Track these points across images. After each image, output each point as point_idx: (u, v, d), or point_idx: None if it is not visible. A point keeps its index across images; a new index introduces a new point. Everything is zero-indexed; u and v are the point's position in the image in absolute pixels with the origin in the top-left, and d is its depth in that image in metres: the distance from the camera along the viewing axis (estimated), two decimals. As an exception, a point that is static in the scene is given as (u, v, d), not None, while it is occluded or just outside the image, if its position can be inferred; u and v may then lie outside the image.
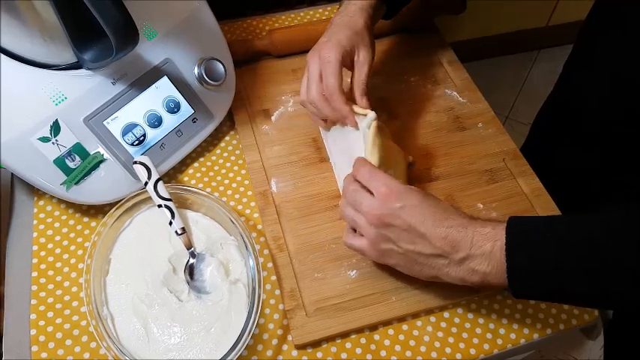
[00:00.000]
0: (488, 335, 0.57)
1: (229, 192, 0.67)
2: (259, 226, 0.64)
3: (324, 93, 0.59)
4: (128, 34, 0.52)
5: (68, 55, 0.59)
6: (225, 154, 0.70)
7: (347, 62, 0.60)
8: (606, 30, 0.67)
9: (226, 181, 0.68)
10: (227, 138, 0.72)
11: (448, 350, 0.56)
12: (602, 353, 0.65)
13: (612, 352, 0.71)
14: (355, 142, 0.60)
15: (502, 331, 0.58)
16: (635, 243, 0.43)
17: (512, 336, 0.57)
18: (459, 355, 0.56)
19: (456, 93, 0.76)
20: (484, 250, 0.46)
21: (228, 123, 0.72)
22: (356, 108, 0.59)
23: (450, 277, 0.49)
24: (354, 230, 0.54)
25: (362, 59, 0.60)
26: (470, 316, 0.59)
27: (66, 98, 0.58)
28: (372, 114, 0.57)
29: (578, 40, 0.76)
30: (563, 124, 0.80)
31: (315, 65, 0.60)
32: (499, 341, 0.57)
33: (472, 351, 0.56)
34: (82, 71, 0.59)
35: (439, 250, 0.48)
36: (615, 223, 0.44)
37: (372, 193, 0.51)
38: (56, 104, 0.58)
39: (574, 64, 0.78)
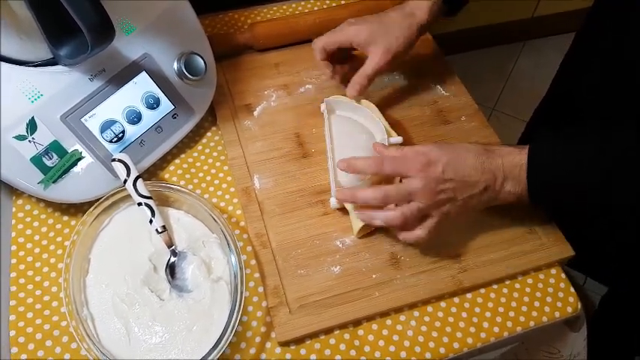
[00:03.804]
0: (472, 329, 0.58)
1: (211, 189, 0.66)
2: (242, 223, 0.63)
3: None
4: (103, 30, 0.51)
5: (44, 52, 0.57)
6: (207, 151, 0.69)
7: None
8: (617, 16, 0.66)
9: (208, 178, 0.67)
10: (209, 134, 0.71)
11: (432, 344, 0.56)
12: (586, 344, 0.66)
13: (595, 344, 0.71)
14: (363, 135, 0.65)
15: (485, 324, 0.58)
16: None
17: (496, 329, 0.58)
18: (442, 349, 0.56)
19: (439, 86, 0.76)
20: (514, 174, 0.54)
21: (210, 118, 0.72)
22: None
23: (497, 201, 0.56)
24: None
25: (374, 54, 0.65)
26: (453, 309, 0.59)
27: (42, 95, 0.57)
28: (399, 139, 0.65)
29: (585, 27, 0.75)
30: (568, 113, 0.79)
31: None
32: (482, 334, 0.57)
33: (455, 345, 0.56)
34: (59, 67, 0.58)
35: (484, 184, 0.54)
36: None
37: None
38: (32, 102, 0.56)
39: (579, 52, 0.77)
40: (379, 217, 0.56)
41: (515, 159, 0.54)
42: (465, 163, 0.54)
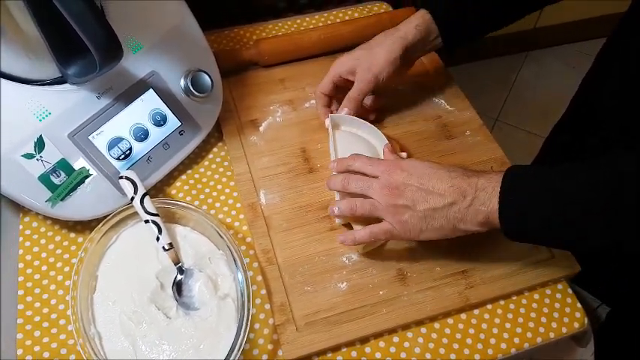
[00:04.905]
0: (479, 345, 0.57)
1: (218, 204, 0.66)
2: (248, 239, 0.63)
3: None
4: (111, 49, 0.51)
5: (52, 71, 0.58)
6: (214, 166, 0.69)
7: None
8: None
9: (215, 194, 0.67)
10: (215, 150, 0.71)
11: (439, 362, 0.56)
12: (593, 359, 0.66)
13: (603, 356, 0.71)
14: (366, 150, 0.65)
15: (493, 340, 0.58)
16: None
17: (503, 345, 0.58)
18: (450, 367, 0.56)
19: (443, 101, 0.76)
20: (487, 191, 0.50)
21: (216, 134, 0.72)
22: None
23: (465, 223, 0.52)
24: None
25: (358, 78, 0.67)
26: (460, 326, 0.59)
27: (50, 114, 0.57)
28: (403, 155, 0.65)
29: (608, 47, 0.74)
30: (585, 137, 0.78)
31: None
32: (490, 351, 0.57)
33: (463, 362, 0.56)
34: (66, 86, 0.59)
35: (450, 199, 0.52)
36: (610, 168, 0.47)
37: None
38: (40, 120, 0.57)
39: (601, 69, 0.76)
40: (336, 205, 0.58)
41: (493, 177, 0.51)
42: (433, 174, 0.53)
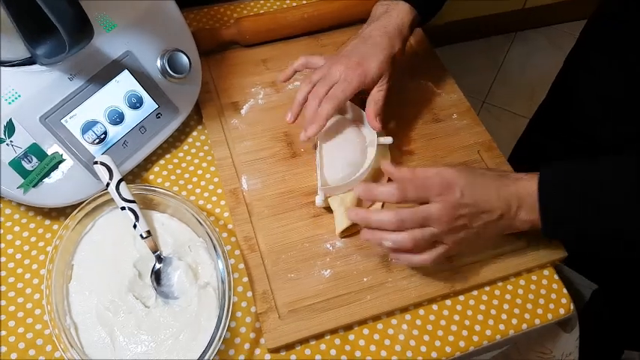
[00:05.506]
0: (464, 332, 0.57)
1: (198, 190, 0.64)
2: (230, 226, 0.62)
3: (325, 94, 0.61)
4: (81, 29, 0.49)
5: (20, 51, 0.55)
6: (193, 151, 0.67)
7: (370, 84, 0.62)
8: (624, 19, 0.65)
9: (195, 179, 0.65)
10: (195, 133, 0.69)
11: (423, 349, 0.56)
12: (578, 344, 0.66)
13: (585, 336, 0.71)
14: (353, 134, 0.64)
15: (477, 327, 0.57)
16: None
17: (488, 332, 0.57)
18: (434, 354, 0.55)
19: (430, 84, 0.74)
20: (527, 201, 0.52)
21: (196, 117, 0.70)
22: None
23: (512, 229, 0.55)
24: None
25: (384, 84, 0.62)
26: (445, 312, 0.58)
27: (20, 96, 0.55)
28: (389, 139, 0.63)
29: (588, 29, 0.74)
30: (563, 120, 0.78)
31: (337, 72, 0.61)
32: (475, 338, 0.57)
33: (448, 349, 0.56)
34: (37, 67, 0.56)
35: (499, 211, 0.52)
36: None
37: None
38: (9, 103, 0.54)
39: (580, 56, 0.75)
40: (390, 239, 0.52)
41: (527, 185, 0.52)
42: (482, 186, 0.52)
